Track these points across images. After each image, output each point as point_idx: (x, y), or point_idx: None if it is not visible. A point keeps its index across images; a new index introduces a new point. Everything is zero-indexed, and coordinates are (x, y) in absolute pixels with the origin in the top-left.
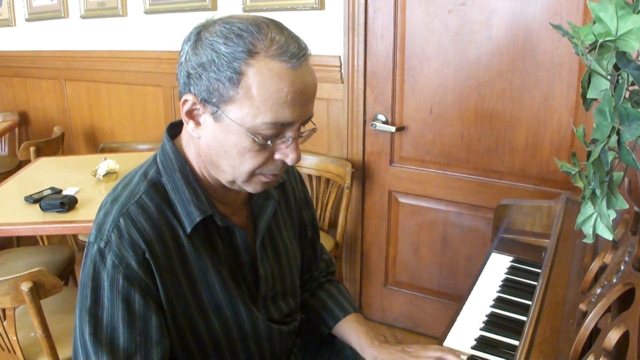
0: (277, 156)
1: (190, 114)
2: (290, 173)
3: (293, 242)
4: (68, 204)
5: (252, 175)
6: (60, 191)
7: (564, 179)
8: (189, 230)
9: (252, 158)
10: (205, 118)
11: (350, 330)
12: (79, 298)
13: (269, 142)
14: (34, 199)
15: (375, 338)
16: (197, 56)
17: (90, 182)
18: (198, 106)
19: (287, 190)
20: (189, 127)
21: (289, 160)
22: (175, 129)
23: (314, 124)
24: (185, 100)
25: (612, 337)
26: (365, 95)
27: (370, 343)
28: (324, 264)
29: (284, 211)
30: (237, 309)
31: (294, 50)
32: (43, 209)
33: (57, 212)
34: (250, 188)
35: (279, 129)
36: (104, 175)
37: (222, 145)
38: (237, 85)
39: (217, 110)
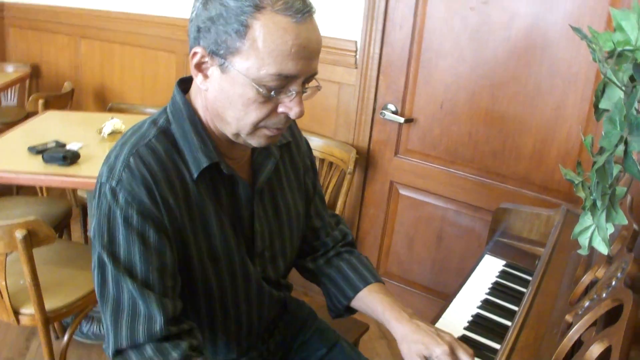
0: (280, 109)
1: (199, 66)
2: (298, 137)
3: (298, 203)
4: (70, 158)
5: (255, 127)
6: (64, 145)
7: (567, 189)
8: (195, 175)
9: (256, 110)
10: (213, 70)
11: (373, 301)
12: (95, 237)
13: (272, 94)
14: (37, 150)
15: (404, 310)
16: (206, 11)
17: (94, 139)
18: (206, 59)
19: (293, 153)
20: (197, 79)
21: (292, 113)
22: (185, 83)
23: (318, 82)
24: (195, 53)
25: (594, 350)
26: (377, 83)
27: (399, 316)
28: (339, 233)
29: (290, 172)
30: (232, 261)
31: (298, 6)
32: (45, 160)
33: (59, 165)
34: (254, 142)
35: (283, 82)
36: (109, 134)
37: (228, 97)
38: (244, 37)
39: (224, 62)
